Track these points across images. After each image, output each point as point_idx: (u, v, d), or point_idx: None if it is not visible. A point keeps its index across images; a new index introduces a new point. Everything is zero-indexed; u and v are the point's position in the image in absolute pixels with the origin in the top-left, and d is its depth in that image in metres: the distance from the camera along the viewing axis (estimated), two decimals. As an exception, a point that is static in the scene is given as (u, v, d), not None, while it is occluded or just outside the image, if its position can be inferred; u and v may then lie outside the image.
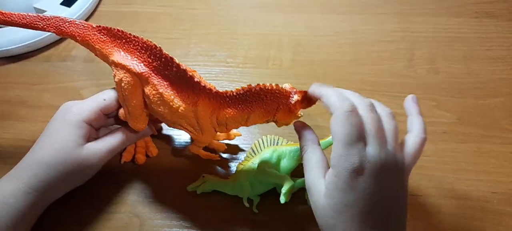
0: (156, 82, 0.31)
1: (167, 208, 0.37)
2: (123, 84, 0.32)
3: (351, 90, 0.29)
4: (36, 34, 0.50)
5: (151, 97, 0.31)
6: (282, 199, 0.34)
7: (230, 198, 0.37)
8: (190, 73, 0.30)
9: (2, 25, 0.51)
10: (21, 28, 0.34)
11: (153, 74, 0.31)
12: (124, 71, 0.32)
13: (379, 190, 0.26)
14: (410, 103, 0.30)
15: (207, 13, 0.55)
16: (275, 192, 0.36)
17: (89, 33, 0.34)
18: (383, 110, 0.28)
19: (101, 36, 0.33)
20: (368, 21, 0.53)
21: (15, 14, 0.35)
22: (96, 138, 0.35)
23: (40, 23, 0.35)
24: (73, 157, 0.32)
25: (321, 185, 0.27)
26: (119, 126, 0.36)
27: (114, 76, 0.32)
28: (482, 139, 0.41)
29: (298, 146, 0.32)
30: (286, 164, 0.36)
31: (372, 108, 0.28)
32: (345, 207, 0.25)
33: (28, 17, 0.35)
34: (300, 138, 0.31)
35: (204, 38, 0.52)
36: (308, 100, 0.30)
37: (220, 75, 0.48)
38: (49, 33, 0.50)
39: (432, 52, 0.49)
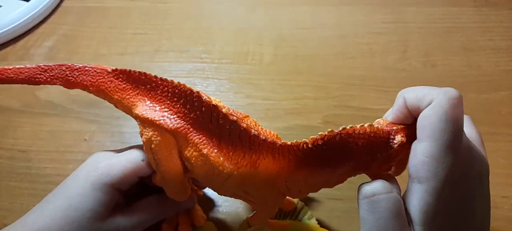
0: (197, 141, 0.23)
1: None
2: (152, 145, 0.24)
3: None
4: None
5: (192, 161, 0.23)
6: None
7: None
8: (244, 126, 0.21)
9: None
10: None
11: (192, 129, 0.23)
12: (153, 128, 0.24)
13: (472, 210, 0.19)
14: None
15: (180, 7, 0.50)
16: None
17: (104, 80, 0.26)
18: None
19: (120, 83, 0.26)
20: (356, 13, 0.49)
21: (9, 69, 0.27)
22: (121, 205, 0.26)
23: (42, 75, 0.27)
24: None
25: None
26: (154, 193, 0.28)
27: (141, 134, 0.25)
28: (487, 137, 0.36)
29: None
30: None
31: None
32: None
33: (26, 71, 0.27)
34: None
35: (177, 34, 0.47)
36: (411, 137, 0.20)
37: (193, 72, 0.43)
38: (6, 29, 0.46)
39: (427, 43, 0.45)
